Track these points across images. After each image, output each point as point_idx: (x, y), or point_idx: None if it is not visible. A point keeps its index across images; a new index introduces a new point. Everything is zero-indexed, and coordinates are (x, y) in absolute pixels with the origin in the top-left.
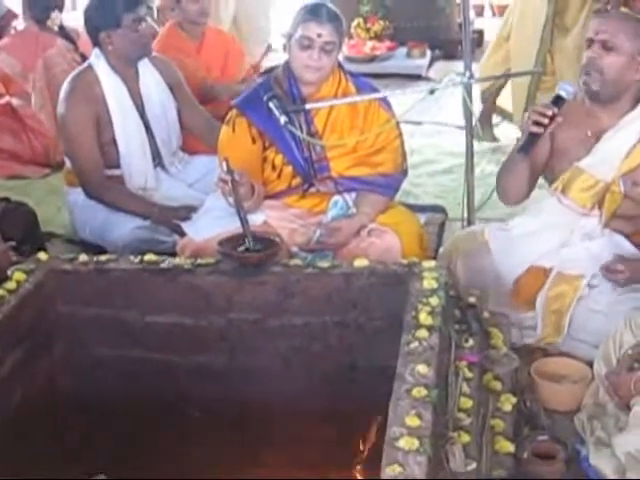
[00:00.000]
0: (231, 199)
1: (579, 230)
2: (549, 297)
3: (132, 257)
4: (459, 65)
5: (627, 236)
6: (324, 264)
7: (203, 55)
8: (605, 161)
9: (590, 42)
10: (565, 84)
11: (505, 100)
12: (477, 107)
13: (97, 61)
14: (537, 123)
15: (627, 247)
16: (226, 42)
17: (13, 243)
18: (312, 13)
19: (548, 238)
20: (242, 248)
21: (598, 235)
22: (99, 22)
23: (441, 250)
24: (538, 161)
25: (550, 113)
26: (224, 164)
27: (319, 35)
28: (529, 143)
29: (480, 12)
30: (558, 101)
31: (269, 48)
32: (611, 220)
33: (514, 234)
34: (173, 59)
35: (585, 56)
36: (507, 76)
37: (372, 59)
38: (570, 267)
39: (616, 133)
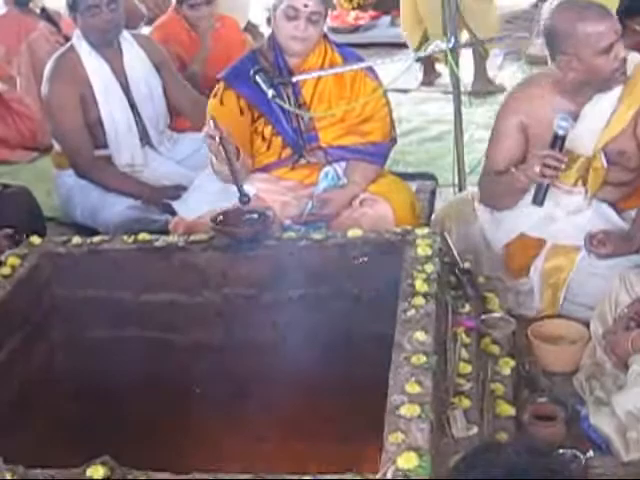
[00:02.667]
0: (216, 162)
1: (564, 207)
2: (545, 270)
3: (125, 237)
4: None
5: (613, 204)
6: (318, 236)
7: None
8: (584, 135)
9: (611, 45)
10: (559, 119)
11: None
12: (465, 74)
13: (78, 42)
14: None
15: (614, 218)
16: (230, 30)
17: (10, 231)
18: None
19: (533, 211)
20: (237, 224)
21: (584, 208)
22: (67, 4)
23: (434, 217)
24: (517, 155)
25: (563, 166)
26: (211, 122)
27: (305, 5)
28: (543, 194)
29: None
30: (558, 141)
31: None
32: (597, 192)
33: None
34: (171, 52)
35: (616, 58)
36: (493, 40)
37: (356, 29)
38: (564, 238)
39: (593, 107)
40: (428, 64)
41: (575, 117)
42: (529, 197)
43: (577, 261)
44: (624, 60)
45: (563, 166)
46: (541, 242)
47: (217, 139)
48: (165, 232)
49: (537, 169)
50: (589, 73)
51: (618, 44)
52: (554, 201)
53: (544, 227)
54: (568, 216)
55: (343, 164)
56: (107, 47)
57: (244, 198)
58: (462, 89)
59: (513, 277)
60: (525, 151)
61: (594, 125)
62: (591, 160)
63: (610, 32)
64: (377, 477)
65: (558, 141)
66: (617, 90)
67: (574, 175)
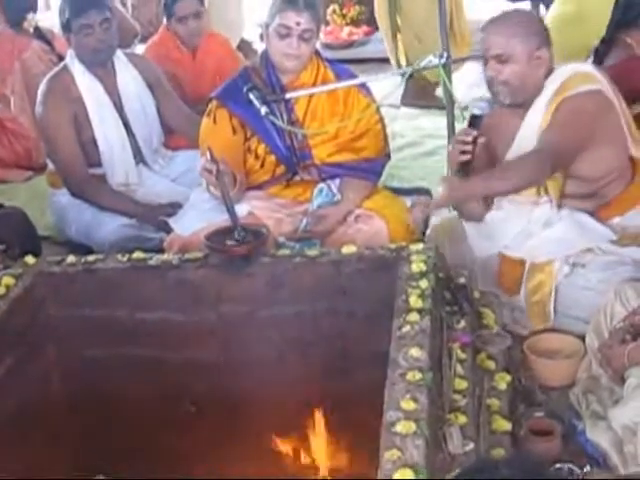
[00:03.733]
0: (213, 189)
1: (536, 221)
2: (528, 290)
3: (120, 256)
4: None
5: (591, 213)
6: (312, 252)
7: (198, 61)
8: (525, 146)
9: (485, 59)
10: (479, 101)
11: None
12: (458, 88)
13: (72, 61)
14: (463, 152)
15: (590, 223)
16: (221, 46)
17: (1, 246)
18: (289, 1)
19: (511, 226)
20: (231, 242)
21: (557, 220)
22: (60, 24)
23: (428, 232)
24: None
25: (470, 139)
26: (208, 153)
27: (297, 23)
28: (464, 171)
29: None
30: (475, 120)
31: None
32: (566, 200)
33: (487, 220)
34: (164, 71)
35: (485, 73)
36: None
37: (350, 45)
38: (539, 255)
39: (528, 118)
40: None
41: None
42: (506, 213)
43: (555, 272)
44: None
45: (469, 138)
46: (522, 262)
47: (214, 172)
48: (160, 250)
49: (450, 147)
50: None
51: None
52: (526, 217)
53: (522, 244)
54: (543, 229)
55: (337, 181)
56: (100, 67)
57: (241, 234)
58: (455, 103)
59: (507, 294)
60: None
61: (530, 135)
62: None
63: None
64: None
65: (475, 121)
66: (544, 99)
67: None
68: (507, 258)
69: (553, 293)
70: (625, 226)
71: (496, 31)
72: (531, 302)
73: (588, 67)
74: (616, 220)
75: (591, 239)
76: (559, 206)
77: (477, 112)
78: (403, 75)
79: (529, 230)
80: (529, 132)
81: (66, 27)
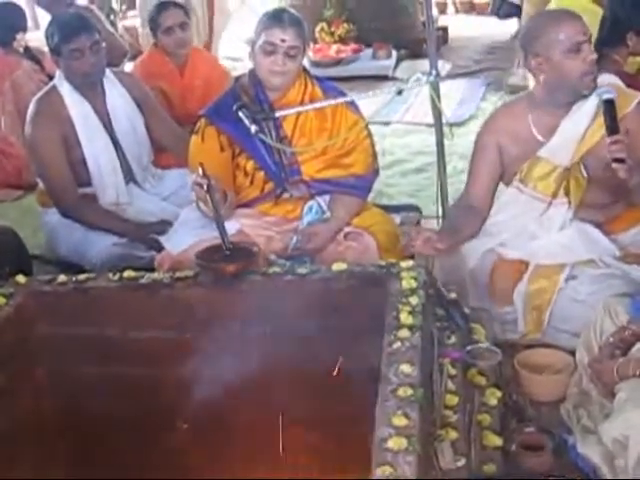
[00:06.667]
0: (203, 205)
1: (547, 220)
2: (529, 292)
3: (111, 274)
4: (426, 63)
5: (599, 225)
6: (303, 270)
7: (186, 77)
8: (562, 146)
9: (578, 47)
10: (601, 90)
11: None
12: (445, 104)
13: (60, 82)
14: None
15: (596, 236)
16: (209, 64)
17: None
18: (274, 19)
19: (514, 227)
20: (220, 256)
21: (567, 225)
22: (49, 48)
23: None
24: (494, 174)
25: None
26: (200, 169)
27: (283, 40)
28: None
29: (443, 9)
30: (607, 105)
31: None
32: (581, 209)
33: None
34: (154, 87)
35: (590, 60)
36: (473, 72)
37: (338, 62)
38: (545, 257)
39: (570, 119)
40: None
41: (553, 130)
42: (509, 213)
43: (560, 281)
44: (594, 64)
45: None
46: (522, 266)
47: (205, 187)
48: (151, 269)
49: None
50: (559, 76)
51: (586, 46)
52: (535, 216)
53: (524, 245)
54: (551, 233)
55: (327, 198)
56: (89, 87)
57: (229, 248)
58: (444, 121)
59: (498, 306)
60: (502, 173)
61: (570, 137)
62: (570, 170)
63: (577, 32)
64: None
65: (607, 105)
66: (593, 106)
67: (552, 185)
68: (503, 261)
69: (553, 301)
70: (627, 244)
71: (575, 17)
72: (530, 306)
73: (612, 77)
74: (620, 236)
75: (596, 251)
76: (575, 212)
77: (609, 96)
78: (399, 93)
79: (531, 231)
80: (571, 131)
81: (55, 51)
